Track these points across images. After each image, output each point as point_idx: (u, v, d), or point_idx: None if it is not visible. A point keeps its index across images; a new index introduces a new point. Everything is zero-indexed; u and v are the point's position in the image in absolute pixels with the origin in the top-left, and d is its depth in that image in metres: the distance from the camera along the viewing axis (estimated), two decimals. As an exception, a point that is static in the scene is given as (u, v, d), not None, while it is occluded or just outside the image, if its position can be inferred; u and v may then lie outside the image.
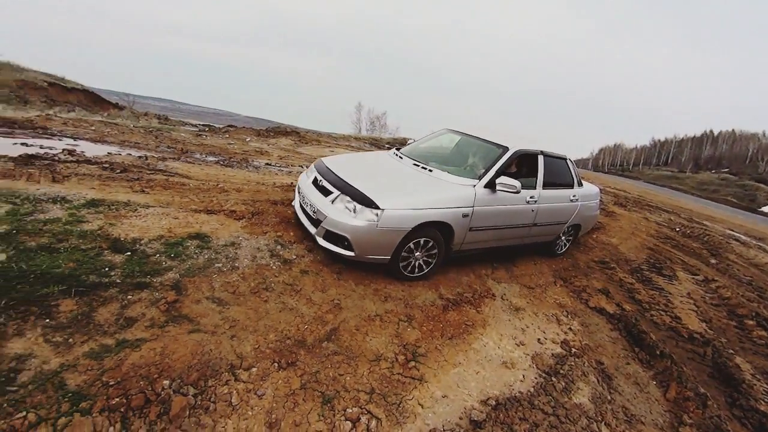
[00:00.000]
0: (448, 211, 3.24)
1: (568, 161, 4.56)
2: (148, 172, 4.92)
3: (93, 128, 9.76)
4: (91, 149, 6.26)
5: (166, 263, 2.70)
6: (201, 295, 2.54)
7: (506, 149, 3.83)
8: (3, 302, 2.04)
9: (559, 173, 4.40)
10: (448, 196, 3.31)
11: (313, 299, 2.86)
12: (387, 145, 17.55)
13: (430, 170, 3.69)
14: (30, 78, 24.08)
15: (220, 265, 2.87)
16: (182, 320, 2.29)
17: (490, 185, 3.55)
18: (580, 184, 4.73)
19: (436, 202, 3.20)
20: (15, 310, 2.02)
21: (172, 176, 5.00)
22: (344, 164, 3.74)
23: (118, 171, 4.61)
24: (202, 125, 23.25)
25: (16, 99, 20.02)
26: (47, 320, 2.03)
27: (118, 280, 2.43)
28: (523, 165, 4.15)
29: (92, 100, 27.96)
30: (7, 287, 2.18)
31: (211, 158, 7.57)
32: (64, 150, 5.64)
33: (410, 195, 3.20)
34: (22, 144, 5.90)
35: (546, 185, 4.15)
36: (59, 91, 25.65)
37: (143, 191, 3.96)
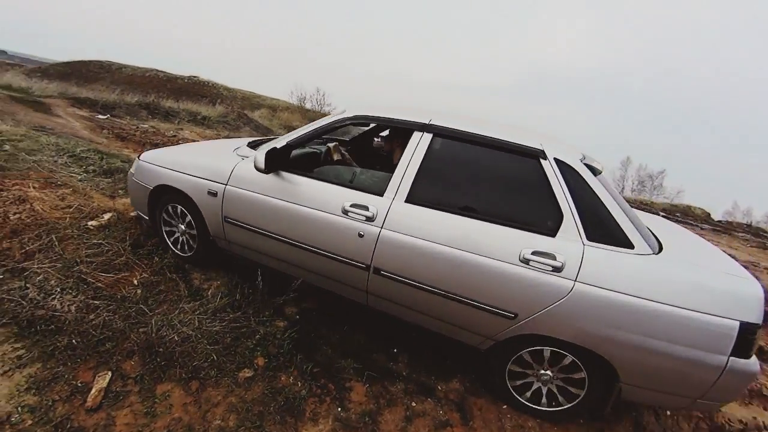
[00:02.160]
0: (187, 179, 2.41)
1: (554, 164, 1.77)
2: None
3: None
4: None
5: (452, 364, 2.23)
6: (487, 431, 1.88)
7: (344, 112, 2.29)
8: (309, 367, 1.97)
9: (497, 187, 1.93)
10: (202, 163, 2.44)
11: None
12: (662, 213, 13.44)
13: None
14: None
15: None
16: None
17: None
18: (600, 236, 1.69)
19: (188, 166, 2.45)
20: (317, 382, 1.91)
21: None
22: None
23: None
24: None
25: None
26: (339, 409, 1.81)
27: (405, 372, 2.09)
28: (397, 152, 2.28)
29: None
30: (316, 344, 2.16)
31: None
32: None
33: (174, 154, 2.72)
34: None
35: (446, 205, 1.89)
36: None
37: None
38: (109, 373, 1.74)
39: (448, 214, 1.85)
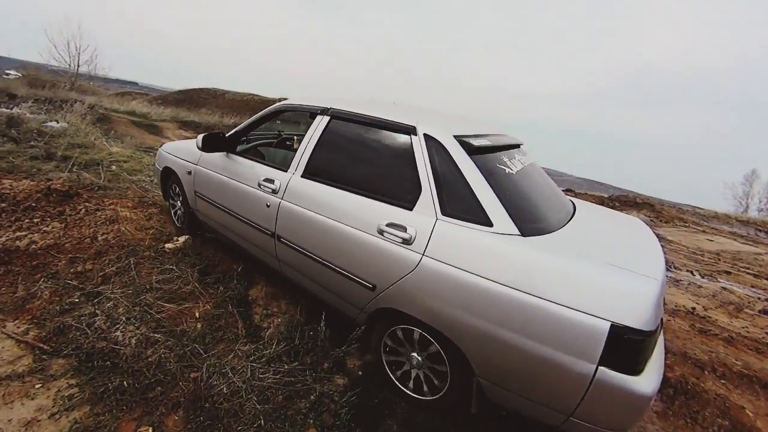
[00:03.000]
0: (177, 161, 3.06)
1: (422, 139, 1.75)
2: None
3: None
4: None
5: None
6: None
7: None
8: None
9: (374, 163, 1.94)
10: (188, 149, 2.99)
11: None
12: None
13: None
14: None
15: None
16: None
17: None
18: (456, 212, 1.59)
19: (179, 151, 3.08)
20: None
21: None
22: None
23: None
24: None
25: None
26: None
27: (492, 471, 1.60)
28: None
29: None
30: (379, 415, 1.77)
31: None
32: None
33: (178, 143, 3.26)
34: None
35: (330, 179, 2.00)
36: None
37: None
38: (150, 429, 1.55)
39: (330, 187, 1.96)
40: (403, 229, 1.63)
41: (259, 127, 2.62)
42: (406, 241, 1.61)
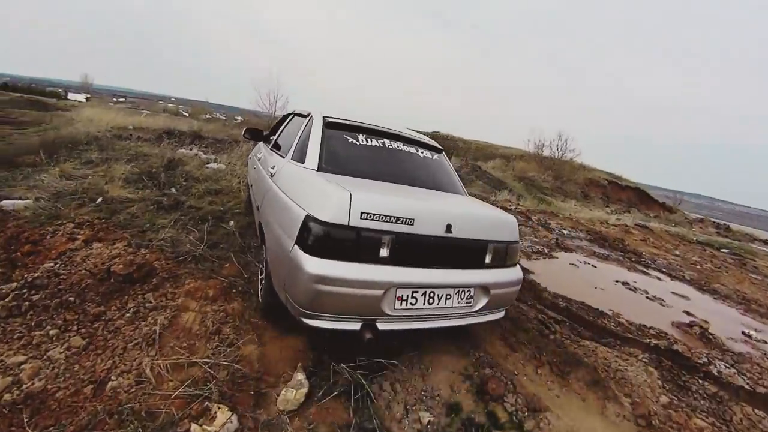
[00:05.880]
0: (250, 154, 4.58)
1: (307, 118, 2.82)
2: None
3: (678, 253, 7.62)
4: (710, 314, 3.79)
5: None
6: None
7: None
8: None
9: (286, 133, 3.22)
10: (259, 146, 4.14)
11: None
12: None
13: None
14: (594, 176, 27.30)
15: None
16: None
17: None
18: (296, 156, 2.51)
19: (255, 148, 4.39)
20: None
21: None
22: None
23: None
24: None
25: (581, 194, 22.93)
26: None
27: None
28: None
29: (639, 197, 27.71)
30: None
31: None
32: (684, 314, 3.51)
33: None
34: (624, 285, 4.43)
35: (275, 148, 3.20)
36: (614, 189, 27.23)
37: None
38: None
39: (272, 152, 3.10)
40: (273, 167, 2.64)
41: (282, 126, 3.56)
42: (272, 175, 2.55)
